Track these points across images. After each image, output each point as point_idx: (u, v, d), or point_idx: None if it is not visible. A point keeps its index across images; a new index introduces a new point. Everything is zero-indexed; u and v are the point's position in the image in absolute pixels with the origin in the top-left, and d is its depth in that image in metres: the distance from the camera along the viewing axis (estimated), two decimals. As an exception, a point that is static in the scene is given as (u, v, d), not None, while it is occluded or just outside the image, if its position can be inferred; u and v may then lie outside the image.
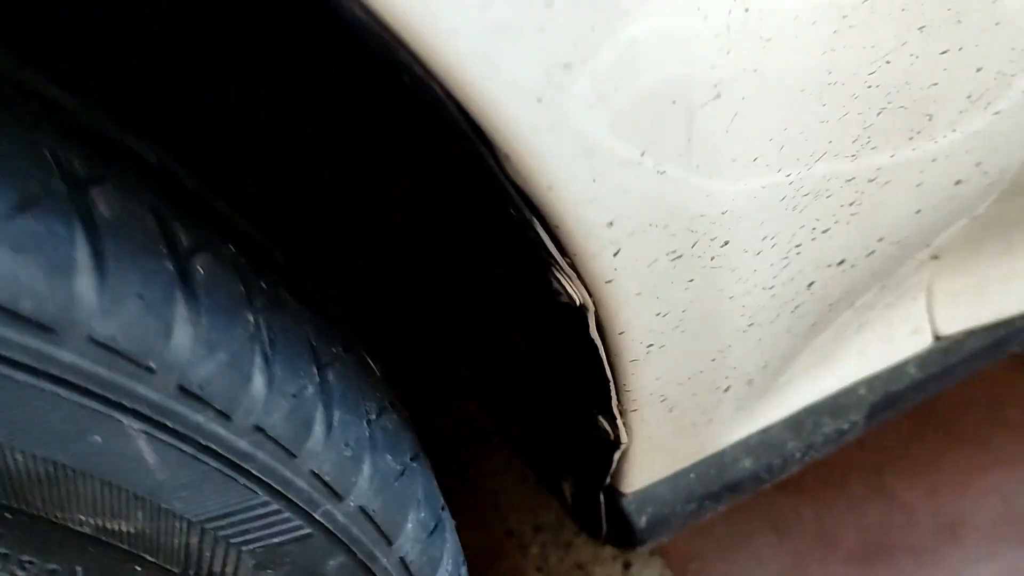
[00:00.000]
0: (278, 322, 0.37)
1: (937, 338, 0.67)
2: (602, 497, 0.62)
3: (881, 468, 1.06)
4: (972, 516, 1.01)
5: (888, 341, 0.65)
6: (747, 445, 0.63)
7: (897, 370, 0.67)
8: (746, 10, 0.33)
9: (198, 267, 0.34)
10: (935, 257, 0.59)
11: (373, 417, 0.41)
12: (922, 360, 0.67)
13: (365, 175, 0.48)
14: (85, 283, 0.29)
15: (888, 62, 0.38)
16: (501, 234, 0.42)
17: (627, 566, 1.01)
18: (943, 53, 0.40)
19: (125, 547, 0.33)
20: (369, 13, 0.26)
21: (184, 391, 0.32)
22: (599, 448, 0.56)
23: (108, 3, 0.38)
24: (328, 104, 0.44)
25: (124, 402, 0.31)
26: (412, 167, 0.44)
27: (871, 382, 0.66)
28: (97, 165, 0.32)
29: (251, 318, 0.36)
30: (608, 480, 0.60)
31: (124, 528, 0.32)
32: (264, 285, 0.38)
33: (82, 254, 0.29)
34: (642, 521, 0.62)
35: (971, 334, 0.68)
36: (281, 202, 0.48)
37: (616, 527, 0.63)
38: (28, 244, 0.28)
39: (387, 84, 0.36)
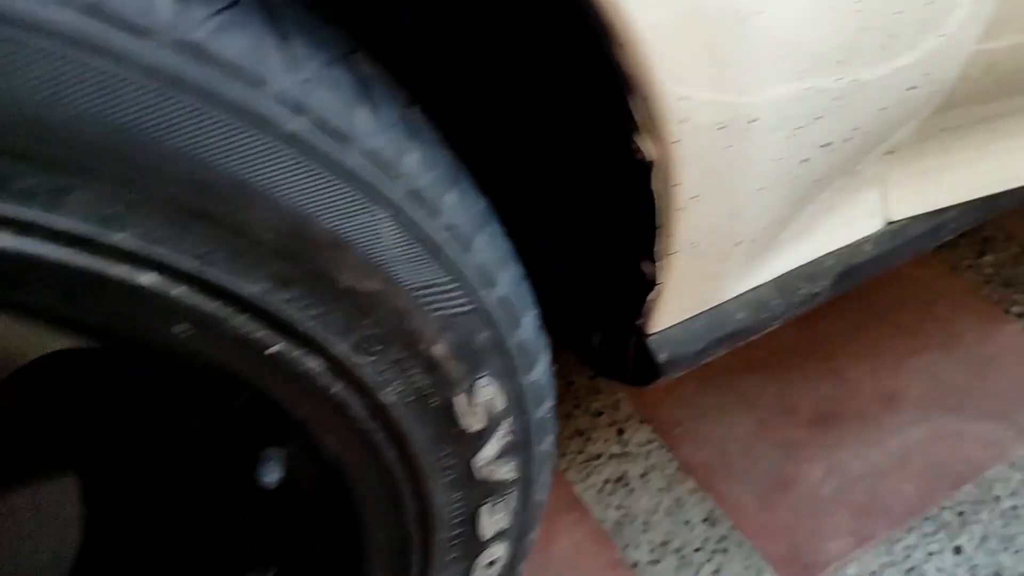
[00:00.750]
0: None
1: (888, 222, 0.86)
2: (631, 339, 0.79)
3: (831, 353, 1.26)
4: (906, 390, 1.22)
5: (851, 221, 0.83)
6: (743, 300, 0.81)
7: (857, 246, 0.85)
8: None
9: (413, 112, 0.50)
10: (890, 152, 0.77)
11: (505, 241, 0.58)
12: (877, 239, 0.86)
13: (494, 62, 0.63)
14: (365, 112, 0.45)
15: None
16: (598, 108, 0.58)
17: (620, 432, 1.20)
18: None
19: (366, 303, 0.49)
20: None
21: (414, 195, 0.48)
22: (636, 292, 0.73)
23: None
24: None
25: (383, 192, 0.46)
26: (536, 65, 0.59)
27: (838, 254, 0.84)
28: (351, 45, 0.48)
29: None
30: (638, 322, 0.77)
31: (370, 287, 0.48)
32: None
33: (367, 92, 0.45)
34: (662, 358, 0.79)
35: (914, 220, 0.87)
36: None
37: (640, 365, 0.81)
38: (341, 84, 0.43)
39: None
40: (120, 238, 0.39)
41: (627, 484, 1.14)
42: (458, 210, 0.51)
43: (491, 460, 0.62)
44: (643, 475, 1.14)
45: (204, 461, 0.62)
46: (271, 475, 0.56)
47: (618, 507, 1.11)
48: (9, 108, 0.34)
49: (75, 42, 0.34)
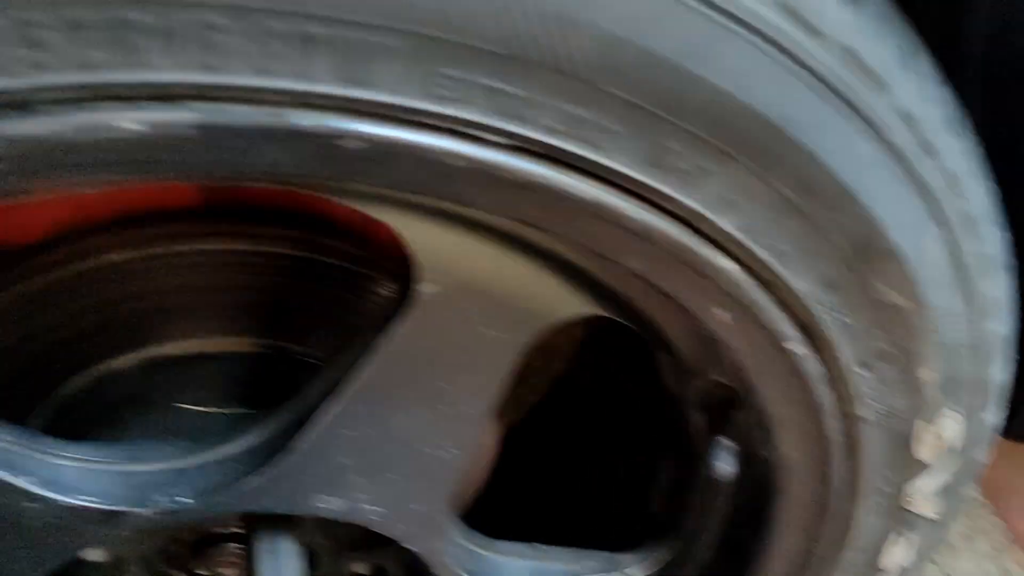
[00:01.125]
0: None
1: None
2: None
3: None
4: None
5: None
6: None
7: None
8: None
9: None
10: None
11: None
12: None
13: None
14: (953, 132, 0.44)
15: None
16: None
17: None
18: None
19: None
20: None
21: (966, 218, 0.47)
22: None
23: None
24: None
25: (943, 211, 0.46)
26: None
27: None
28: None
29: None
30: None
31: (898, 302, 0.48)
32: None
33: (955, 112, 0.45)
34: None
35: None
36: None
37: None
38: (941, 103, 0.43)
39: None
40: (724, 222, 0.42)
41: (948, 542, 1.07)
42: (994, 240, 0.49)
43: (924, 494, 0.60)
44: (967, 536, 1.07)
45: (647, 435, 0.65)
46: (725, 466, 0.58)
47: (936, 563, 1.05)
48: (700, 92, 0.37)
49: (767, 38, 0.37)
